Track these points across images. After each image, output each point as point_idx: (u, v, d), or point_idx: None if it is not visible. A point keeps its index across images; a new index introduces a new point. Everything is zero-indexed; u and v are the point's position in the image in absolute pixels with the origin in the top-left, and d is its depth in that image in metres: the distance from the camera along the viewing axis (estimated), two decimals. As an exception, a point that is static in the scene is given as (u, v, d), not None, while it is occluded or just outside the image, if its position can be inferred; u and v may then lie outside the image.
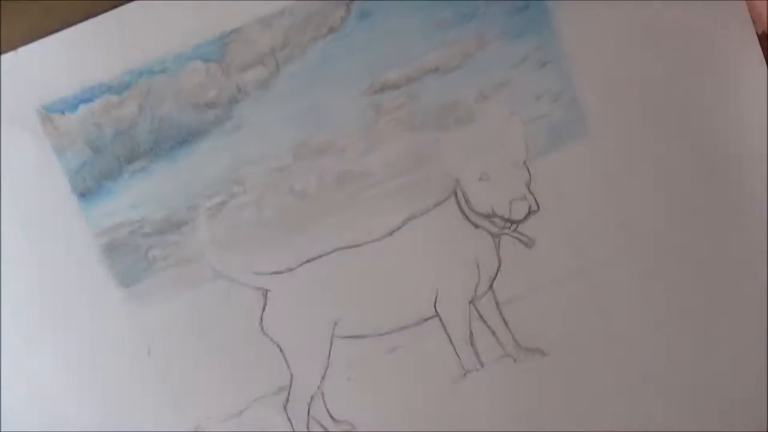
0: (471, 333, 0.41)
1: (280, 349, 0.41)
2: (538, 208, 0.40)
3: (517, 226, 0.40)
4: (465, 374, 0.41)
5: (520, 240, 0.40)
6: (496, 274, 0.40)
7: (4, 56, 0.38)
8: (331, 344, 0.41)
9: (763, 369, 0.41)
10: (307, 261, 0.40)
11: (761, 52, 0.39)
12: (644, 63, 0.40)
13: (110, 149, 0.40)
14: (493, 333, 0.41)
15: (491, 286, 0.41)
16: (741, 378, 0.41)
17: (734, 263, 0.41)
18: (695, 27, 0.39)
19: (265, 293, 0.40)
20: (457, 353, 0.41)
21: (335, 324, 0.41)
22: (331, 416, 0.41)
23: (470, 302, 0.41)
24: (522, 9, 0.39)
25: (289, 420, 0.41)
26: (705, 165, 0.40)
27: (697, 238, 0.40)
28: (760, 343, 0.41)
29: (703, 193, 0.40)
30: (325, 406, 0.41)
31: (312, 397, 0.41)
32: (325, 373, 0.41)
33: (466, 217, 0.40)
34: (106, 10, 0.39)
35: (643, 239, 0.41)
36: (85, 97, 0.39)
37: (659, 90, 0.40)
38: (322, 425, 0.41)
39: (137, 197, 0.40)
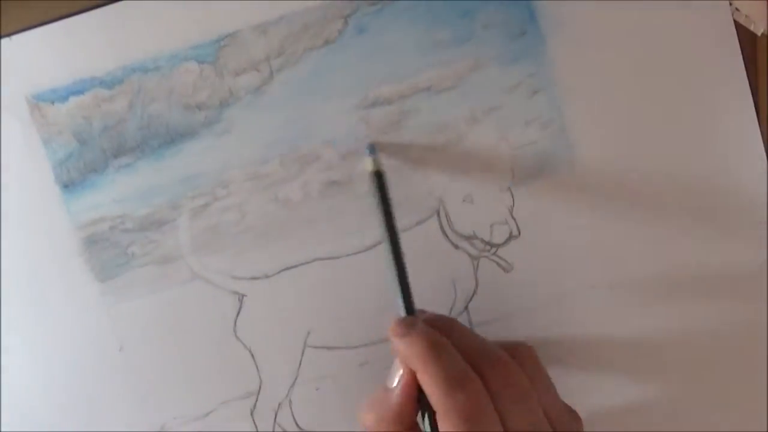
0: (443, 353, 0.41)
1: (252, 355, 0.41)
2: (519, 233, 0.40)
3: (497, 250, 0.41)
4: (434, 393, 0.41)
5: (498, 264, 0.41)
6: (473, 296, 0.41)
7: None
8: (303, 353, 0.41)
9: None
10: (286, 269, 0.40)
11: (748, 84, 0.39)
12: (635, 97, 0.40)
13: (97, 143, 0.40)
14: (465, 354, 0.41)
15: (466, 307, 0.41)
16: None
17: (721, 288, 0.41)
18: (687, 63, 0.40)
19: (241, 298, 0.40)
20: (427, 372, 0.41)
21: (308, 333, 0.41)
22: (297, 425, 0.41)
23: (444, 322, 0.41)
24: (518, 36, 0.40)
25: (255, 425, 0.41)
26: (690, 199, 0.40)
27: (681, 270, 0.41)
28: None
29: (686, 227, 0.41)
30: (292, 414, 0.41)
31: (279, 405, 0.41)
32: (294, 381, 0.41)
33: (447, 238, 0.40)
34: (104, 4, 0.39)
35: (622, 273, 0.41)
36: (76, 89, 0.39)
37: (648, 125, 0.40)
38: (287, 433, 0.41)
39: (121, 193, 0.40)
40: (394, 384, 0.34)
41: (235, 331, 0.41)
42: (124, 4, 0.39)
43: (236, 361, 0.41)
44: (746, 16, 0.38)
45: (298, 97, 0.39)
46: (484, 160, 0.40)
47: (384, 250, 0.36)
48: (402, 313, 0.35)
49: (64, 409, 0.41)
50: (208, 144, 0.40)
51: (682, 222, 0.40)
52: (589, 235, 0.40)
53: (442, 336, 0.34)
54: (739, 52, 0.40)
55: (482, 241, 0.40)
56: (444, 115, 0.40)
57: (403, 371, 0.34)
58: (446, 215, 0.40)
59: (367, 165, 0.38)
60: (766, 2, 0.38)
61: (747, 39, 0.40)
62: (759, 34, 0.39)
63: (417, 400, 0.34)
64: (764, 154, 0.40)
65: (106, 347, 0.40)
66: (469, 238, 0.40)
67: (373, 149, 0.39)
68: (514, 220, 0.40)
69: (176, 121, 0.40)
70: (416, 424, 0.35)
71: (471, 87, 0.40)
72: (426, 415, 0.34)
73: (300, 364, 0.41)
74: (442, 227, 0.40)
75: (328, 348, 0.41)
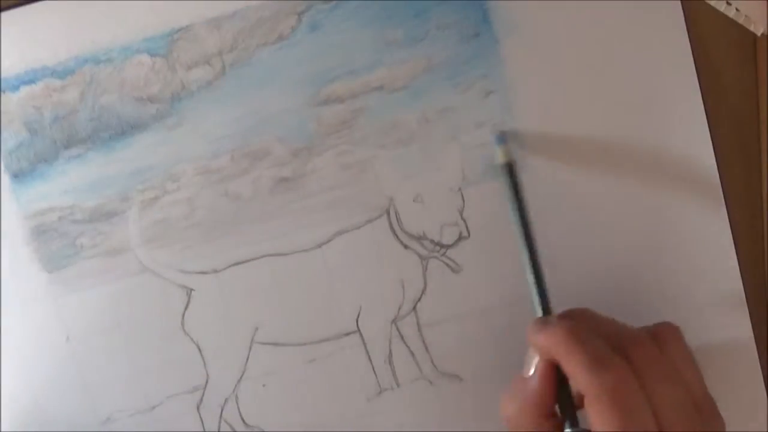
0: (390, 352, 0.41)
1: (199, 349, 0.41)
2: (469, 235, 0.40)
3: (446, 251, 0.41)
4: (380, 392, 0.41)
5: (447, 265, 0.41)
6: (421, 296, 0.41)
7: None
8: (250, 349, 0.41)
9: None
10: (234, 264, 0.40)
11: (699, 89, 0.39)
12: (587, 101, 0.40)
13: (48, 133, 0.39)
14: (412, 354, 0.41)
15: (414, 307, 0.41)
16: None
17: (672, 285, 0.41)
18: (639, 64, 0.40)
19: (189, 292, 0.40)
20: (374, 370, 0.41)
21: (256, 329, 0.41)
22: (243, 420, 0.41)
23: (392, 322, 0.41)
24: (472, 37, 0.40)
25: (201, 420, 0.41)
26: (640, 203, 0.40)
27: (627, 272, 0.41)
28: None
29: (638, 228, 0.41)
30: (238, 409, 0.41)
31: (226, 400, 0.41)
32: (241, 377, 0.41)
33: (397, 237, 0.40)
34: (57, -5, 0.39)
35: (572, 274, 0.41)
36: (28, 79, 0.39)
37: (600, 127, 0.40)
38: (232, 428, 0.41)
39: (70, 184, 0.40)
40: (531, 372, 0.34)
41: (182, 325, 0.41)
42: (78, -5, 0.39)
43: (183, 356, 0.41)
44: (746, 16, 0.38)
45: (250, 93, 0.39)
46: (436, 161, 0.40)
47: (519, 247, 0.36)
48: (539, 313, 0.36)
49: (9, 397, 0.41)
50: (159, 137, 0.40)
51: (634, 225, 0.40)
52: (538, 237, 0.40)
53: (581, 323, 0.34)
54: (689, 52, 0.40)
55: (432, 241, 0.40)
56: (395, 115, 0.40)
57: (540, 360, 0.34)
58: (396, 215, 0.40)
59: (499, 156, 0.38)
60: (766, 2, 0.38)
61: (747, 39, 0.40)
62: (759, 34, 0.39)
63: (555, 389, 0.34)
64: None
65: (53, 337, 0.40)
66: (418, 239, 0.40)
67: (502, 139, 0.38)
68: (464, 221, 0.40)
69: (127, 113, 0.40)
70: (554, 413, 0.34)
71: (423, 87, 0.40)
72: (566, 405, 0.34)
73: (247, 359, 0.41)
74: (391, 227, 0.40)
75: (276, 344, 0.41)
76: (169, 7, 0.39)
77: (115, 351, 0.41)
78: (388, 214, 0.40)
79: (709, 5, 0.39)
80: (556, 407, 0.34)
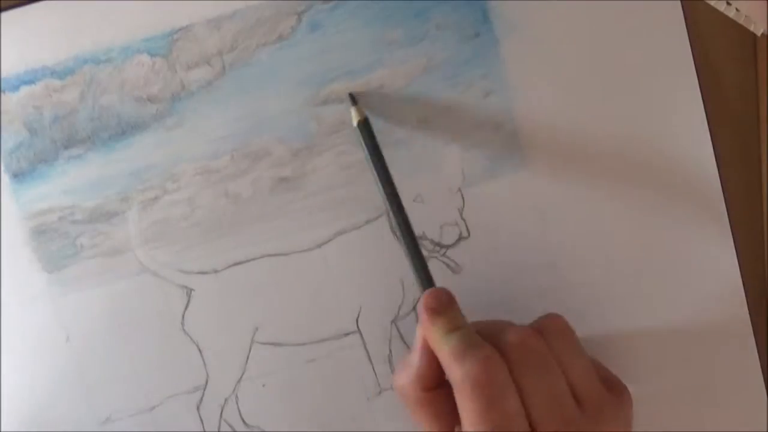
0: (390, 352, 0.41)
1: (199, 349, 0.41)
2: (469, 235, 0.40)
3: (446, 251, 0.41)
4: (380, 392, 0.41)
5: (447, 265, 0.41)
6: (421, 296, 0.40)
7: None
8: (250, 349, 0.41)
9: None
10: (234, 264, 0.40)
11: (698, 89, 0.39)
12: (588, 101, 0.40)
13: (48, 133, 0.39)
14: (412, 354, 0.41)
15: (414, 307, 0.41)
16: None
17: (677, 287, 0.41)
18: (640, 64, 0.40)
19: (189, 292, 0.40)
20: (374, 370, 0.41)
21: (256, 329, 0.41)
22: (243, 420, 0.41)
23: (392, 322, 0.41)
24: (472, 37, 0.40)
25: (201, 420, 0.41)
26: (640, 203, 0.40)
27: (626, 272, 0.41)
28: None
29: (638, 228, 0.41)
30: (238, 409, 0.41)
31: (226, 400, 0.41)
32: (241, 376, 0.41)
33: (396, 237, 0.40)
34: (57, -5, 0.39)
35: (572, 275, 0.41)
36: (28, 79, 0.39)
37: (602, 129, 0.40)
38: (233, 428, 0.41)
39: (70, 184, 0.40)
40: (416, 347, 0.35)
41: (182, 325, 0.41)
42: (78, -5, 0.39)
43: (183, 356, 0.41)
44: (746, 16, 0.38)
45: (250, 93, 0.39)
46: (435, 161, 0.40)
47: (389, 215, 0.37)
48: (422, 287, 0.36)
49: (9, 397, 0.41)
50: (159, 137, 0.40)
51: (634, 225, 0.40)
52: (539, 237, 0.40)
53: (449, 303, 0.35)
54: (689, 52, 0.40)
55: (432, 241, 0.40)
56: (395, 114, 0.40)
57: (419, 337, 0.35)
58: (396, 214, 0.40)
59: (354, 116, 0.38)
60: (766, 2, 0.38)
61: (747, 39, 0.40)
62: (759, 34, 0.39)
63: (435, 363, 0.34)
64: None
65: (53, 337, 0.40)
66: (418, 239, 0.40)
67: (354, 99, 0.39)
68: (464, 221, 0.40)
69: (127, 113, 0.40)
70: (438, 384, 0.35)
71: (423, 87, 0.40)
72: None
73: (247, 359, 0.41)
74: (391, 227, 0.40)
75: (276, 344, 0.41)
76: (168, 7, 0.39)
77: (114, 351, 0.41)
78: (388, 214, 0.40)
79: (709, 5, 0.39)
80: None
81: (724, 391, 0.41)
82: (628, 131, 0.40)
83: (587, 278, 0.41)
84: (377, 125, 0.39)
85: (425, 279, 0.36)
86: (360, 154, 0.40)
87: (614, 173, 0.40)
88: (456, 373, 0.32)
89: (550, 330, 0.35)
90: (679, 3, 0.39)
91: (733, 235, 0.41)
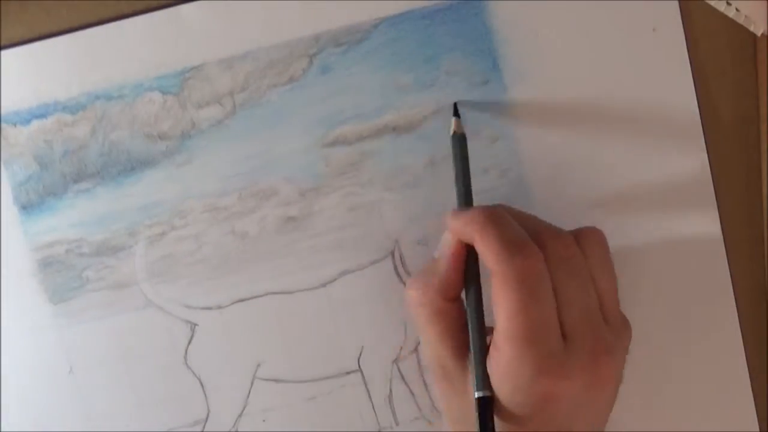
0: (391, 392, 0.41)
1: (201, 384, 0.41)
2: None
3: (449, 294, 0.41)
4: (379, 431, 0.41)
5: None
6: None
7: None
8: (252, 385, 0.41)
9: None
10: (239, 301, 0.41)
11: (706, 157, 0.40)
12: (595, 150, 0.40)
13: (58, 167, 0.40)
14: (413, 395, 0.41)
15: (416, 348, 0.41)
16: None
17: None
18: (648, 116, 0.40)
19: (193, 327, 0.41)
20: (374, 409, 0.41)
21: (258, 365, 0.41)
22: (242, 455, 0.42)
23: (394, 362, 0.41)
24: (481, 84, 0.40)
25: (201, 454, 0.41)
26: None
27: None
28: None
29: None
30: (238, 444, 0.42)
31: (226, 435, 0.41)
32: (242, 412, 0.41)
33: (400, 279, 0.41)
34: (71, 30, 0.39)
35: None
36: (39, 113, 0.39)
37: (608, 175, 0.41)
38: (232, 463, 0.41)
39: (78, 217, 0.40)
40: (442, 253, 0.35)
41: (185, 359, 0.41)
42: (92, 32, 0.39)
43: (185, 390, 0.41)
44: (746, 16, 0.39)
45: (260, 133, 0.40)
46: (441, 205, 0.40)
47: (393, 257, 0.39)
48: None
49: (11, 427, 0.41)
50: (167, 174, 0.40)
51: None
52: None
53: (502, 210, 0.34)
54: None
55: (436, 283, 0.41)
56: (403, 158, 0.40)
57: (453, 242, 0.34)
58: (401, 257, 0.41)
59: (452, 126, 0.38)
60: (766, 2, 0.38)
61: (747, 39, 0.40)
62: (759, 34, 0.39)
63: (464, 273, 0.34)
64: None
65: (56, 369, 0.41)
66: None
67: (457, 111, 0.39)
68: (468, 267, 0.41)
69: (137, 149, 0.40)
70: (459, 299, 0.35)
71: (431, 132, 0.40)
72: (471, 290, 0.34)
73: (248, 395, 0.41)
74: (396, 268, 0.41)
75: (277, 381, 0.41)
76: (181, 46, 0.39)
77: (117, 383, 0.41)
78: (393, 255, 0.41)
79: (709, 5, 0.39)
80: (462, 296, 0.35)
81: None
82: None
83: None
84: (384, 168, 0.40)
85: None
86: (367, 196, 0.40)
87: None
88: (503, 265, 0.32)
89: (589, 242, 0.35)
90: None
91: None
